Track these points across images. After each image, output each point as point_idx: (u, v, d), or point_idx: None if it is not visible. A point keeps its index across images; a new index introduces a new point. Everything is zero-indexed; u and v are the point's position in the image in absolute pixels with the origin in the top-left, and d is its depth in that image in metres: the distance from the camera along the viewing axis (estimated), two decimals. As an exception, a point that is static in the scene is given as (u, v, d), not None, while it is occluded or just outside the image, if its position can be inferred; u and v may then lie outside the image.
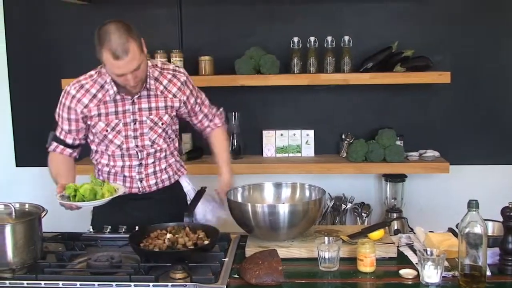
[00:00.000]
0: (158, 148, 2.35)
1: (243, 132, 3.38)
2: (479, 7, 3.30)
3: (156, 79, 2.29)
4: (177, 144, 2.51)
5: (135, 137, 2.30)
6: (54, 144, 2.38)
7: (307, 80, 3.21)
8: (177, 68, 2.37)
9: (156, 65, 2.33)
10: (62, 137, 2.36)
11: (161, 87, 2.29)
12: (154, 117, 2.30)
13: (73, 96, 2.27)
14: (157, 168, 2.38)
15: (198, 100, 2.43)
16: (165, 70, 2.33)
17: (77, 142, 2.37)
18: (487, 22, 3.31)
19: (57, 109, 2.33)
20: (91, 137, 2.35)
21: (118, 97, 2.25)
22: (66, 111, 2.29)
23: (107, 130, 2.28)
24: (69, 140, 2.36)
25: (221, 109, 2.56)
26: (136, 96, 2.25)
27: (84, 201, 2.08)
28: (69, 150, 2.38)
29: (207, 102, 2.49)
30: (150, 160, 2.35)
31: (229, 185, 2.41)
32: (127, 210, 2.36)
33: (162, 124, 2.32)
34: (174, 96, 2.32)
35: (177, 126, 2.47)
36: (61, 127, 2.34)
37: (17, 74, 3.55)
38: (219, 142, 2.52)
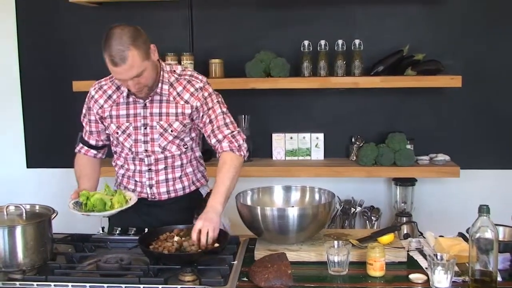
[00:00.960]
0: (170, 155, 2.31)
1: (253, 135, 3.38)
2: (490, 11, 3.28)
3: (171, 85, 2.25)
4: (197, 153, 2.43)
5: (145, 142, 2.28)
6: (80, 145, 2.43)
7: (317, 83, 3.21)
8: (194, 74, 2.30)
9: (175, 71, 2.28)
10: (86, 138, 2.41)
11: (174, 93, 2.25)
12: (164, 123, 2.25)
13: (92, 97, 2.33)
14: (170, 176, 2.34)
15: (210, 112, 2.24)
16: (182, 77, 2.27)
17: (100, 143, 2.41)
18: (498, 26, 3.29)
19: (83, 110, 2.38)
20: (111, 138, 2.38)
21: (131, 99, 2.26)
22: (88, 112, 2.35)
23: (117, 133, 2.30)
24: (92, 141, 2.40)
25: (235, 132, 2.25)
26: (148, 100, 2.25)
27: (93, 210, 2.11)
28: (93, 151, 2.42)
29: (221, 118, 2.25)
30: (161, 166, 2.32)
31: (209, 224, 2.02)
32: (140, 216, 2.36)
33: (172, 131, 2.26)
34: (186, 102, 2.24)
35: (196, 135, 2.38)
36: (85, 128, 2.40)
37: (28, 76, 3.58)
38: (220, 170, 2.19)
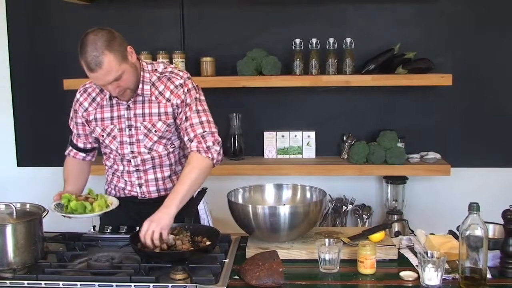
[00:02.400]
0: (157, 155, 2.29)
1: (244, 133, 3.38)
2: (481, 10, 3.29)
3: (153, 84, 2.23)
4: (187, 151, 2.38)
5: (131, 143, 2.27)
6: (69, 148, 2.42)
7: (308, 81, 3.21)
8: (175, 71, 2.26)
9: (156, 70, 2.26)
10: (74, 141, 2.40)
11: (156, 92, 2.22)
12: (148, 124, 2.24)
13: (77, 100, 2.33)
14: (159, 175, 2.33)
15: (187, 109, 2.20)
16: (163, 75, 2.24)
17: (88, 146, 2.40)
18: (489, 24, 3.30)
19: (70, 113, 2.37)
20: (99, 139, 2.36)
21: (114, 101, 2.25)
22: (74, 115, 2.35)
23: (103, 136, 2.29)
24: (80, 144, 2.39)
25: (205, 133, 2.18)
26: (131, 102, 2.23)
27: (73, 213, 2.12)
28: (82, 154, 2.41)
29: (195, 115, 2.20)
30: (149, 166, 2.30)
31: (156, 226, 1.97)
32: (131, 214, 2.35)
33: (156, 131, 2.24)
34: (168, 100, 2.21)
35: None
36: (73, 131, 2.39)
37: (19, 74, 3.56)
38: (184, 170, 2.15)
